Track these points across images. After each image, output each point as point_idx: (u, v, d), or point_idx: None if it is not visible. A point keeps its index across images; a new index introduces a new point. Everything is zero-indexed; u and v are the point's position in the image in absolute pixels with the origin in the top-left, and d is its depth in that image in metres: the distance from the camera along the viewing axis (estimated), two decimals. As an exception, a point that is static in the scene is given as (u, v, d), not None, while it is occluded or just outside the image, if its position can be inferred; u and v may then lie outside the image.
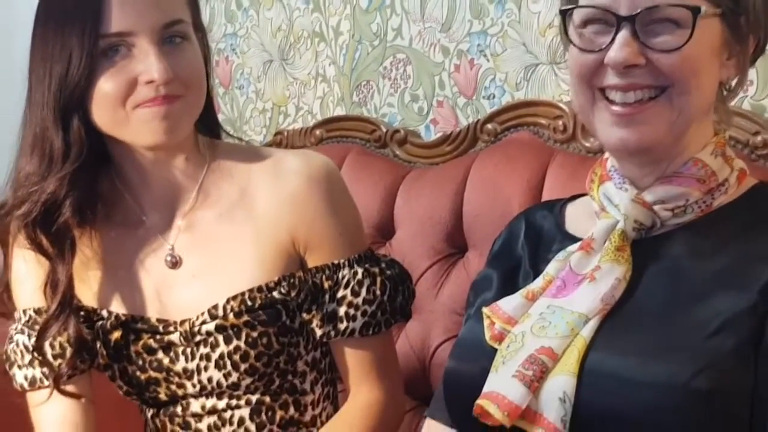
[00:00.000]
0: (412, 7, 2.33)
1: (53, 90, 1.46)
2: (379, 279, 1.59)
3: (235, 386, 1.54)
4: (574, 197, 1.49)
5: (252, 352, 1.52)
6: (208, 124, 1.61)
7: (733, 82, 1.34)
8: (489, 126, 2.09)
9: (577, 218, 1.45)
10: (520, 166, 1.96)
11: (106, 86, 1.45)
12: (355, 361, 1.60)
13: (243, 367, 1.53)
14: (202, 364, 1.54)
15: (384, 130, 2.29)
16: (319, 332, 1.57)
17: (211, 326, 1.53)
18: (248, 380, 1.53)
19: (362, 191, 2.05)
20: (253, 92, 2.72)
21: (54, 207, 1.49)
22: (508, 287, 1.42)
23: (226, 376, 1.53)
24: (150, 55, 1.44)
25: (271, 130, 2.64)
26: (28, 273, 1.57)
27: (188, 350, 1.54)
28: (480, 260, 1.92)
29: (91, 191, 1.53)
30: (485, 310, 1.38)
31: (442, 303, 2.00)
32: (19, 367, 1.59)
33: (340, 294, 1.56)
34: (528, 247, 1.46)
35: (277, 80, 2.66)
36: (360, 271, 1.57)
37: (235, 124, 2.75)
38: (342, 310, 1.56)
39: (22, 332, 1.59)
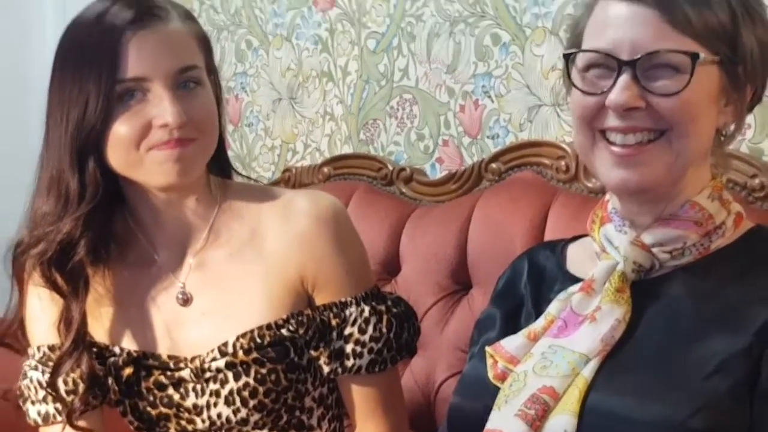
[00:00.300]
0: (419, 49, 2.36)
1: (70, 132, 1.48)
2: (385, 317, 1.59)
3: (244, 422, 1.54)
4: (575, 238, 1.51)
5: (261, 389, 1.53)
6: (219, 164, 1.63)
7: (731, 128, 1.35)
8: (493, 165, 2.11)
9: (578, 259, 1.46)
10: (523, 205, 1.97)
11: (121, 129, 1.48)
12: (361, 397, 1.61)
13: (252, 403, 1.53)
14: (212, 400, 1.55)
15: (390, 168, 2.30)
16: (326, 369, 1.58)
17: (221, 363, 1.54)
18: (257, 416, 1.54)
19: (369, 228, 2.06)
20: (262, 130, 2.73)
21: (69, 247, 1.51)
22: (511, 326, 1.44)
23: (236, 412, 1.54)
24: (164, 99, 1.46)
25: (279, 167, 2.66)
26: (42, 310, 1.59)
27: (198, 386, 1.55)
28: (484, 297, 1.88)
29: (105, 231, 1.55)
30: (488, 349, 1.39)
31: (447, 339, 2.01)
32: (33, 402, 1.60)
33: (347, 332, 1.57)
34: (531, 286, 1.47)
35: (285, 118, 2.68)
36: (367, 309, 1.58)
37: (244, 161, 2.77)
38: (349, 348, 1.57)
39: (36, 368, 1.60)
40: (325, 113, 2.59)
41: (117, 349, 1.59)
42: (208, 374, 1.54)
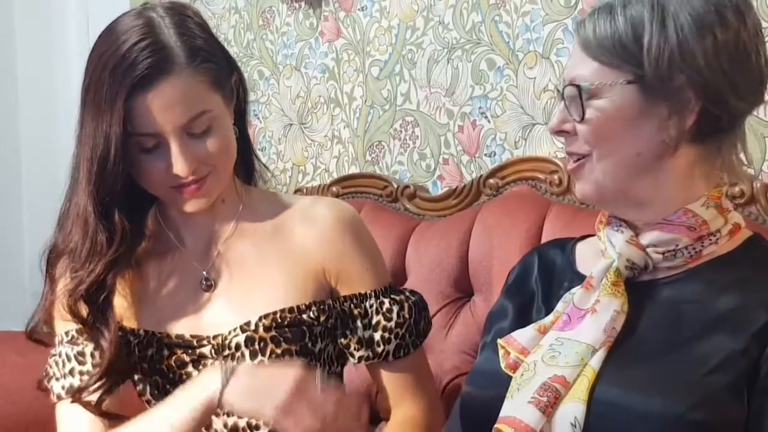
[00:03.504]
0: (419, 75, 2.40)
1: (93, 180, 1.50)
2: (406, 305, 1.66)
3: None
4: (583, 237, 1.55)
5: None
6: (245, 170, 1.68)
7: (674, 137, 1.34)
8: (491, 181, 2.15)
9: (586, 257, 1.50)
10: (519, 218, 2.01)
11: (145, 173, 1.53)
12: (392, 382, 1.67)
13: None
14: None
15: (395, 186, 2.34)
16: (357, 354, 1.63)
17: (240, 338, 1.55)
18: None
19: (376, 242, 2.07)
20: (275, 154, 2.74)
21: (99, 285, 1.54)
22: (523, 319, 1.47)
23: None
24: (174, 152, 1.49)
25: (291, 188, 2.65)
26: None
27: (216, 363, 1.52)
28: (485, 304, 1.99)
29: (132, 255, 1.58)
30: (500, 341, 1.42)
31: (451, 343, 2.04)
32: (57, 379, 1.59)
33: (374, 320, 1.63)
34: (541, 282, 1.51)
35: (296, 142, 2.70)
36: (386, 300, 1.64)
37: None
38: (378, 335, 1.63)
39: (65, 346, 1.60)
40: (333, 137, 2.61)
41: (141, 332, 1.60)
42: (227, 351, 1.55)
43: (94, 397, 1.56)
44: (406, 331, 1.66)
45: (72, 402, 1.57)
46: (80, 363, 1.58)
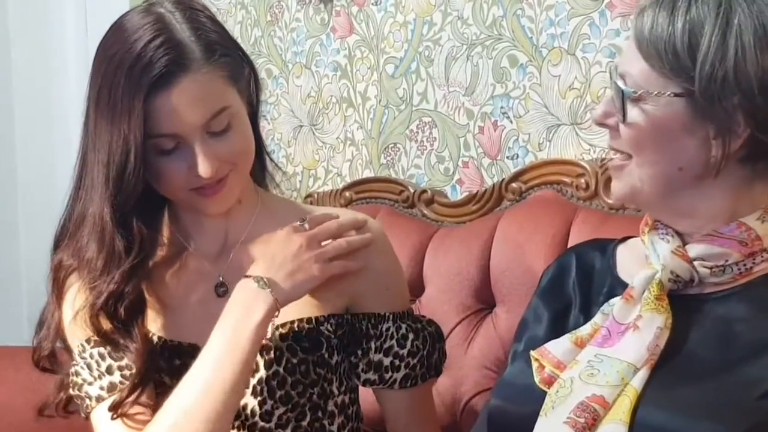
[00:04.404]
0: (437, 73, 2.38)
1: (110, 187, 1.50)
2: (421, 334, 1.67)
3: (268, 415, 1.56)
4: (625, 239, 1.52)
5: (289, 379, 1.56)
6: (259, 171, 1.69)
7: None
8: (513, 185, 2.14)
9: (627, 261, 1.47)
10: (544, 224, 2.00)
11: (164, 176, 1.53)
12: (395, 410, 1.69)
13: (278, 394, 1.56)
14: None
15: (411, 190, 2.33)
16: (363, 377, 1.65)
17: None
18: (282, 409, 1.56)
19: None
20: (284, 157, 2.74)
21: (118, 296, 1.54)
22: (558, 326, 1.46)
23: (261, 403, 1.55)
24: (195, 151, 1.51)
25: (302, 194, 2.67)
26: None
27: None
28: (508, 315, 1.98)
29: (149, 262, 1.58)
30: (534, 353, 1.40)
31: (473, 357, 2.03)
32: (90, 383, 1.57)
33: (386, 345, 1.64)
34: (579, 287, 1.49)
35: (307, 145, 2.70)
36: (404, 326, 1.66)
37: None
38: (387, 361, 1.64)
39: (94, 348, 1.58)
40: (345, 139, 2.60)
41: (155, 338, 1.60)
42: None
43: (134, 410, 1.56)
44: (417, 362, 1.67)
45: (115, 418, 1.54)
46: (117, 359, 1.57)
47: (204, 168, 1.50)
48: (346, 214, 1.70)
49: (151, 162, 1.52)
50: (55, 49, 3.15)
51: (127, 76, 1.48)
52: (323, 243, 1.59)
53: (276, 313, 1.52)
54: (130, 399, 1.54)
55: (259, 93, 1.64)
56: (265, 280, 1.51)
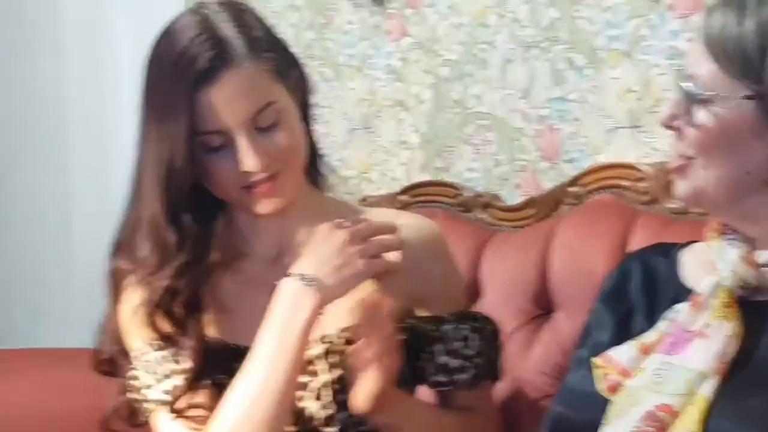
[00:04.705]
0: (493, 76, 2.37)
1: (161, 185, 1.54)
2: (483, 334, 1.69)
3: (329, 420, 1.57)
4: (688, 243, 1.51)
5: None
6: (314, 173, 1.70)
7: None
8: (572, 189, 2.12)
9: (692, 267, 1.47)
10: (603, 229, 1.99)
11: (214, 174, 1.56)
12: (461, 410, 1.68)
13: (341, 398, 1.56)
14: (300, 393, 1.57)
15: (467, 194, 2.31)
16: (432, 379, 1.66)
17: (319, 350, 1.57)
18: (343, 414, 1.56)
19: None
20: (338, 160, 2.68)
21: (172, 294, 1.57)
22: (623, 332, 1.45)
23: (322, 407, 1.57)
24: (242, 147, 1.53)
25: (356, 197, 2.62)
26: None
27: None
28: (567, 321, 1.98)
29: (206, 263, 1.60)
30: (597, 360, 1.40)
31: (532, 363, 2.02)
32: (150, 387, 1.59)
33: (452, 347, 1.65)
34: (643, 292, 1.48)
35: (360, 148, 2.70)
36: (465, 327, 1.67)
37: (320, 192, 2.78)
38: (455, 362, 1.66)
39: (154, 352, 1.59)
40: (400, 142, 2.60)
41: (213, 341, 1.61)
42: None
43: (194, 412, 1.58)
44: (483, 361, 1.68)
45: (174, 419, 1.57)
46: (177, 362, 1.59)
47: (250, 162, 1.52)
48: (407, 217, 1.72)
49: (201, 160, 1.54)
50: (108, 59, 3.16)
51: (172, 74, 1.52)
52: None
53: (321, 311, 1.53)
54: (186, 397, 1.56)
55: (310, 93, 1.66)
56: (310, 277, 1.52)
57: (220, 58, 1.51)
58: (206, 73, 1.51)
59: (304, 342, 1.52)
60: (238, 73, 1.52)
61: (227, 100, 1.51)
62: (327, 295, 1.52)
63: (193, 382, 1.58)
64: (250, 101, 1.53)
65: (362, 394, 1.50)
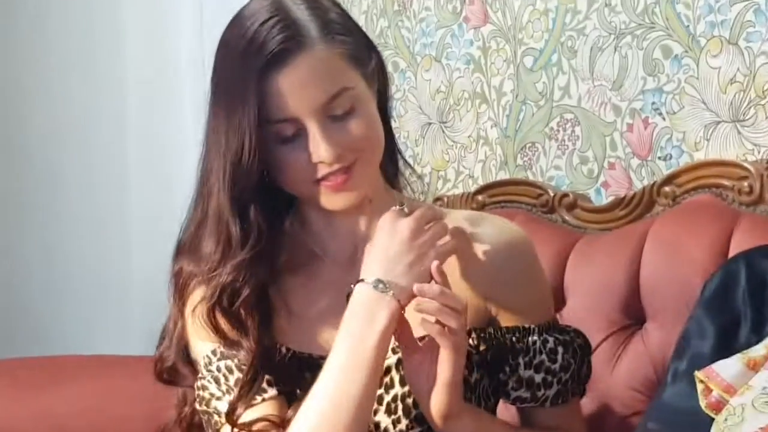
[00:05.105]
0: (581, 65, 2.36)
1: (228, 174, 1.52)
2: (570, 347, 1.65)
3: None
4: None
5: None
6: (391, 169, 1.69)
7: None
8: (666, 189, 2.10)
9: None
10: (701, 232, 1.96)
11: (285, 166, 1.54)
12: (545, 428, 1.66)
13: (414, 413, 1.54)
14: (373, 406, 1.55)
15: (551, 194, 2.30)
16: (513, 394, 1.63)
17: (392, 360, 1.55)
18: (417, 430, 1.55)
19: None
20: (411, 157, 2.74)
21: (234, 291, 1.55)
22: (726, 343, 1.43)
23: (395, 422, 1.55)
24: (315, 136, 1.50)
25: (429, 197, 2.61)
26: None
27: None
28: (660, 332, 1.95)
29: (272, 266, 1.58)
30: (700, 374, 1.37)
31: (619, 378, 2.00)
32: (218, 398, 1.58)
33: (537, 359, 1.62)
34: (750, 300, 1.45)
35: (436, 144, 2.70)
36: (551, 339, 1.63)
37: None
38: (539, 377, 1.62)
39: (220, 360, 1.59)
40: (478, 137, 2.59)
41: (283, 349, 1.60)
42: None
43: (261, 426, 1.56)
44: (570, 377, 1.65)
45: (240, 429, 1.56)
46: (246, 373, 1.58)
47: (323, 151, 1.50)
48: (491, 219, 1.71)
49: (272, 152, 1.53)
50: (169, 49, 3.21)
51: (241, 60, 1.51)
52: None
53: (403, 310, 1.50)
54: (256, 410, 1.54)
55: (388, 83, 1.65)
56: (384, 282, 1.49)
57: (292, 40, 1.50)
58: (276, 57, 1.49)
59: (381, 353, 1.49)
60: (311, 56, 1.50)
61: (299, 86, 1.50)
62: (405, 298, 1.49)
63: (262, 393, 1.56)
64: (323, 87, 1.51)
65: (435, 402, 1.49)
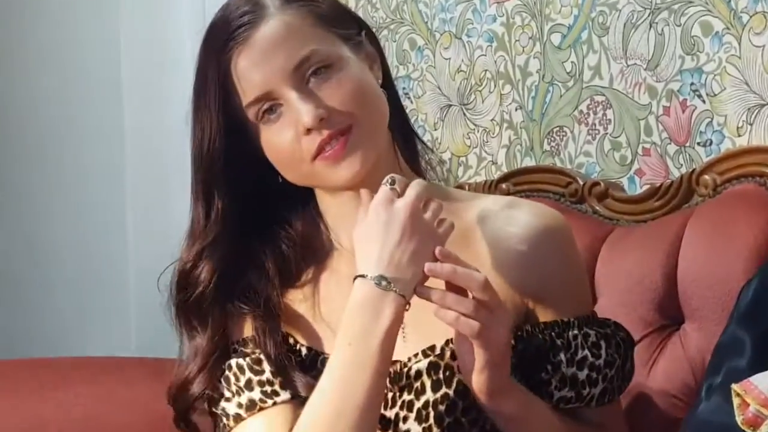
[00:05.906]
0: (613, 43, 2.34)
1: (193, 162, 1.59)
2: (613, 341, 1.63)
3: None
4: None
5: (460, 404, 1.53)
6: (408, 153, 1.69)
7: None
8: (706, 177, 2.07)
9: None
10: (743, 224, 1.93)
11: (277, 148, 1.56)
12: (588, 430, 1.65)
13: (447, 421, 1.54)
14: (402, 413, 1.55)
15: (581, 182, 2.27)
16: (557, 395, 1.60)
17: (422, 364, 1.55)
18: None
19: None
20: (429, 141, 2.72)
21: (191, 279, 1.60)
22: (764, 356, 1.41)
23: (426, 430, 1.53)
24: (293, 103, 1.53)
25: (450, 184, 2.56)
26: None
27: (389, 395, 1.54)
28: (699, 333, 1.93)
29: (237, 260, 1.61)
30: (736, 387, 1.35)
31: (655, 383, 1.96)
32: (228, 399, 1.59)
33: (579, 355, 1.60)
34: None
35: (456, 128, 2.69)
36: (592, 332, 1.62)
37: (409, 177, 2.75)
38: (583, 374, 1.60)
39: (234, 357, 1.61)
40: (502, 121, 2.57)
41: (304, 350, 1.61)
42: (404, 380, 1.56)
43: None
44: (615, 373, 1.64)
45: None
46: (257, 373, 1.59)
47: (305, 115, 1.52)
48: (525, 204, 1.70)
49: (263, 139, 1.57)
50: (169, 49, 3.25)
51: (204, 46, 1.57)
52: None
53: (407, 306, 1.49)
54: (267, 413, 1.56)
55: (383, 52, 1.67)
56: (387, 279, 1.47)
57: (252, 15, 1.55)
58: (236, 35, 1.54)
59: (387, 353, 1.48)
60: (268, 26, 1.55)
61: (261, 58, 1.54)
62: (410, 292, 1.47)
63: (273, 397, 1.57)
64: (288, 52, 1.54)
65: (477, 380, 1.49)
